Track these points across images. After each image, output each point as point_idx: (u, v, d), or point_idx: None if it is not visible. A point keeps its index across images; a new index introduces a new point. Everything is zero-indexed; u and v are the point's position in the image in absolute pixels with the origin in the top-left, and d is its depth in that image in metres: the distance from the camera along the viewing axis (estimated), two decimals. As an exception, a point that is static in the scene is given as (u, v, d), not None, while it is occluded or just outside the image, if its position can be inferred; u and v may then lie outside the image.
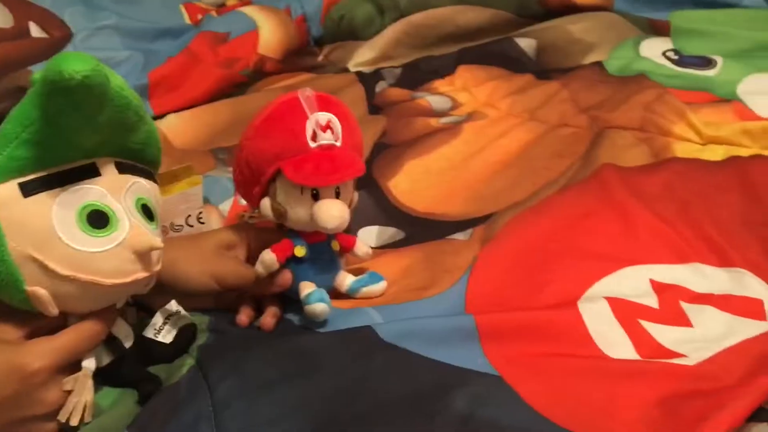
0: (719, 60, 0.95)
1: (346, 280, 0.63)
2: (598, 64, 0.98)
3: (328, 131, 0.58)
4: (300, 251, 0.60)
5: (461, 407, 0.49)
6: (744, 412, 0.46)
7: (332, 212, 0.57)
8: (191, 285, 0.60)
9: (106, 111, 0.48)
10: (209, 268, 0.61)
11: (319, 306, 0.58)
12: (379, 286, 0.63)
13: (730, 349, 0.53)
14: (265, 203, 0.60)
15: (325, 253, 0.62)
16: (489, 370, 0.52)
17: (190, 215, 0.72)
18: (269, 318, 0.61)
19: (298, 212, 0.59)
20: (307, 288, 0.60)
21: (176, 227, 0.72)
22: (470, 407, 0.49)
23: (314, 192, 0.58)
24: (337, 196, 0.59)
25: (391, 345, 0.55)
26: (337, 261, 0.64)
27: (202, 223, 0.73)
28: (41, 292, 0.48)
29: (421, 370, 0.53)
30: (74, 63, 0.43)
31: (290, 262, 0.61)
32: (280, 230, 0.63)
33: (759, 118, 0.81)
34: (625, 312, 0.57)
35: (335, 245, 0.62)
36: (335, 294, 0.63)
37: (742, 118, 0.82)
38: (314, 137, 0.57)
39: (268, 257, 0.59)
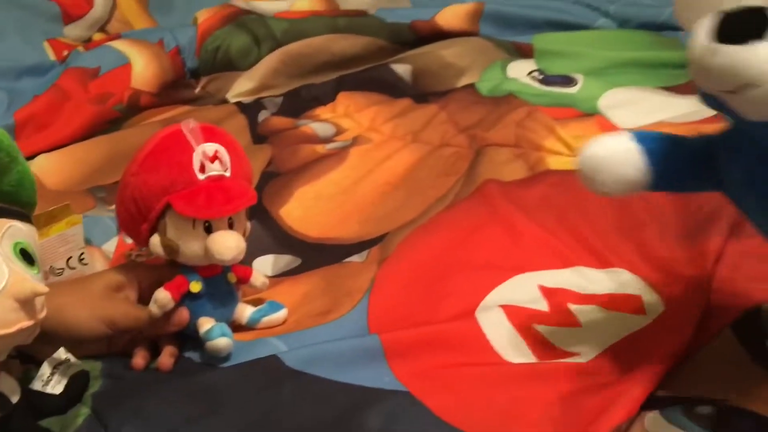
0: (580, 78, 1.03)
1: (245, 311, 0.62)
2: (471, 87, 1.03)
3: (216, 162, 0.57)
4: (196, 287, 0.59)
5: (374, 426, 0.50)
6: (637, 401, 0.50)
7: (228, 243, 0.57)
8: (81, 331, 0.58)
9: None
10: (99, 312, 0.58)
11: (222, 341, 0.57)
12: (280, 314, 0.63)
13: (617, 344, 0.57)
14: (155, 241, 0.58)
15: (222, 286, 0.61)
16: (397, 387, 0.53)
17: (71, 257, 0.69)
18: (166, 358, 0.59)
19: (191, 247, 0.57)
20: (206, 324, 0.58)
21: (57, 271, 0.69)
22: (383, 426, 0.50)
23: (206, 225, 0.57)
24: (230, 227, 0.58)
25: (298, 372, 0.55)
26: (235, 293, 0.63)
27: (85, 264, 0.70)
28: None
29: (330, 393, 0.53)
30: None
31: (185, 298, 0.59)
32: (172, 266, 0.61)
33: (620, 129, 0.88)
34: (519, 318, 0.60)
35: (231, 277, 0.62)
36: (235, 327, 0.61)
37: (605, 129, 0.89)
38: (202, 169, 0.56)
39: (163, 296, 0.57)
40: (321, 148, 0.93)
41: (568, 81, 1.03)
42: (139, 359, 0.60)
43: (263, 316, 0.62)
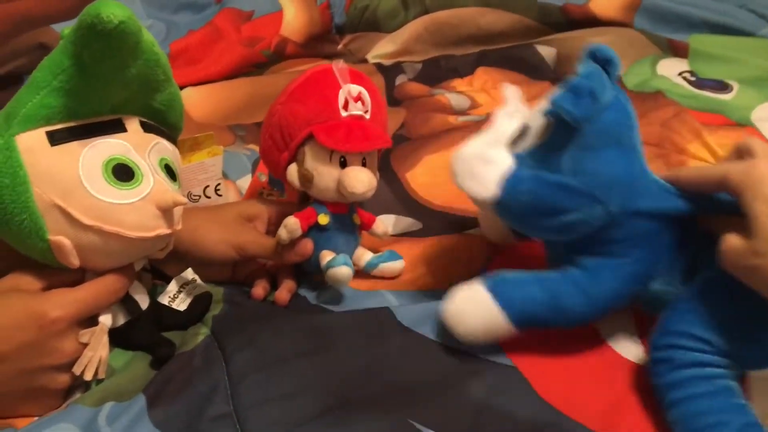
0: (735, 85, 0.97)
1: (364, 255, 0.64)
2: (617, 79, 0.99)
3: (359, 102, 0.59)
4: (323, 219, 0.61)
5: (476, 396, 0.49)
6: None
7: (361, 177, 0.58)
8: (212, 254, 0.61)
9: (137, 63, 0.49)
10: (230, 238, 0.61)
11: (344, 269, 0.58)
12: (397, 264, 0.64)
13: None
14: (292, 169, 0.61)
15: (347, 225, 0.62)
16: (504, 361, 0.53)
17: (208, 186, 0.72)
18: (284, 293, 0.61)
19: (325, 178, 0.59)
20: (328, 255, 0.60)
21: (194, 197, 0.72)
22: (485, 397, 0.49)
23: (342, 159, 0.59)
24: (363, 165, 0.60)
25: (407, 328, 0.55)
26: (357, 235, 0.64)
27: (220, 195, 0.73)
28: (65, 241, 0.48)
29: (435, 355, 0.53)
30: (112, 8, 0.44)
31: (311, 231, 0.61)
32: (301, 204, 0.63)
33: (772, 145, 0.83)
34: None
35: (356, 219, 0.63)
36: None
37: (756, 142, 0.83)
38: (346, 106, 0.58)
39: (292, 222, 0.59)
40: (453, 119, 0.93)
41: (722, 86, 0.97)
42: (259, 289, 0.62)
43: (381, 263, 0.63)
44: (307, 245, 0.60)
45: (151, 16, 1.08)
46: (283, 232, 0.59)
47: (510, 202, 0.51)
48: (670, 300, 0.51)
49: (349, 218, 0.62)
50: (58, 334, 0.49)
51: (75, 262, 0.50)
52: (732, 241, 0.43)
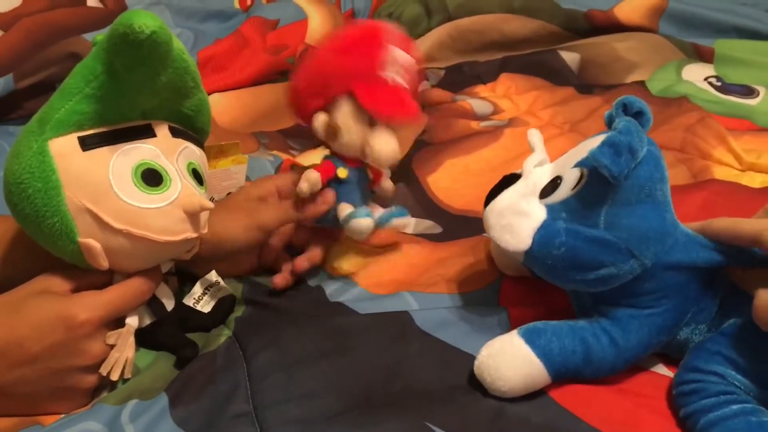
0: (761, 90, 0.96)
1: (375, 210, 0.64)
2: (641, 84, 0.99)
3: (402, 70, 0.59)
4: (343, 172, 0.61)
5: (492, 402, 0.50)
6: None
7: (391, 144, 0.59)
8: (236, 242, 0.61)
9: (167, 71, 0.50)
10: (249, 221, 0.61)
11: (367, 221, 0.60)
12: (406, 219, 0.65)
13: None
14: (321, 118, 0.61)
15: (362, 179, 0.63)
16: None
17: (230, 192, 0.73)
18: (305, 261, 0.64)
19: (352, 136, 0.60)
20: (346, 209, 0.61)
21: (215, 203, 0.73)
22: (501, 402, 0.50)
23: (373, 122, 0.59)
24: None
25: (425, 333, 0.56)
26: (369, 190, 0.65)
27: None
28: (94, 243, 0.50)
29: (452, 360, 0.54)
30: (144, 18, 0.45)
31: (329, 184, 0.62)
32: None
33: (798, 150, 0.82)
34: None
35: (369, 173, 0.64)
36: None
37: (781, 148, 0.82)
38: (390, 71, 0.58)
39: (313, 175, 0.60)
40: (476, 125, 0.93)
41: (748, 92, 0.96)
42: (280, 279, 0.63)
43: (393, 217, 0.64)
44: (329, 194, 0.61)
45: (179, 25, 1.10)
46: (303, 185, 0.60)
47: (544, 254, 0.50)
48: (695, 343, 0.51)
49: (364, 172, 0.63)
50: (86, 336, 0.50)
51: (104, 264, 0.51)
52: (766, 297, 0.43)
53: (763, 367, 0.47)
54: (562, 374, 0.50)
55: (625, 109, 0.50)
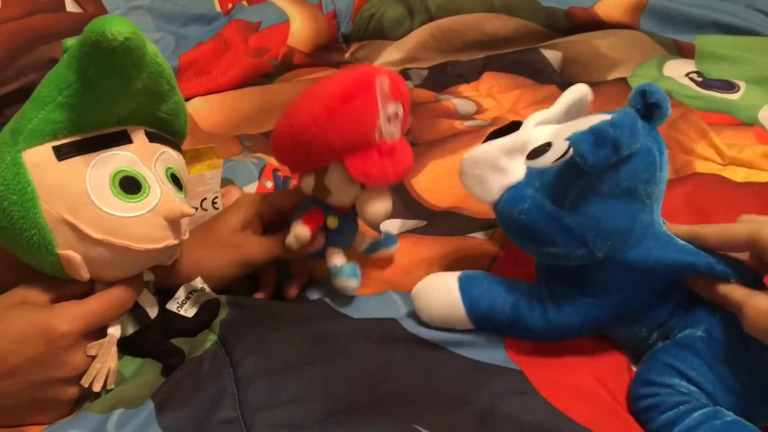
0: (742, 85, 0.96)
1: (364, 240, 0.64)
2: (623, 81, 1.00)
3: (395, 123, 0.55)
4: (332, 222, 0.60)
5: (481, 401, 0.50)
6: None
7: (384, 205, 0.57)
8: (223, 279, 0.61)
9: (141, 77, 0.49)
10: (234, 257, 0.60)
11: (353, 282, 0.59)
12: (394, 248, 0.65)
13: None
14: (309, 181, 0.58)
15: (351, 218, 0.61)
16: (510, 365, 0.53)
17: (205, 198, 0.72)
18: (293, 289, 0.63)
19: (342, 198, 0.58)
20: (336, 257, 0.60)
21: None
22: (490, 402, 0.49)
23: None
24: None
25: (413, 335, 0.56)
26: (357, 222, 0.63)
27: (217, 208, 0.72)
28: (74, 255, 0.49)
29: (441, 362, 0.54)
30: (116, 24, 0.44)
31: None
32: (295, 194, 0.62)
33: (779, 144, 0.82)
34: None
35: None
36: (351, 255, 0.63)
37: (763, 142, 0.83)
38: (381, 131, 0.54)
39: (302, 231, 0.58)
40: (459, 124, 0.94)
41: (729, 86, 0.97)
42: (262, 293, 0.63)
43: (380, 248, 0.64)
44: (319, 241, 0.60)
45: (161, 29, 1.09)
46: (292, 240, 0.59)
47: (505, 215, 0.51)
48: (651, 349, 0.51)
49: (353, 213, 0.61)
50: (67, 348, 0.50)
51: (85, 275, 0.50)
52: (762, 303, 0.43)
53: (721, 376, 0.47)
54: (483, 326, 0.54)
55: (644, 96, 0.48)
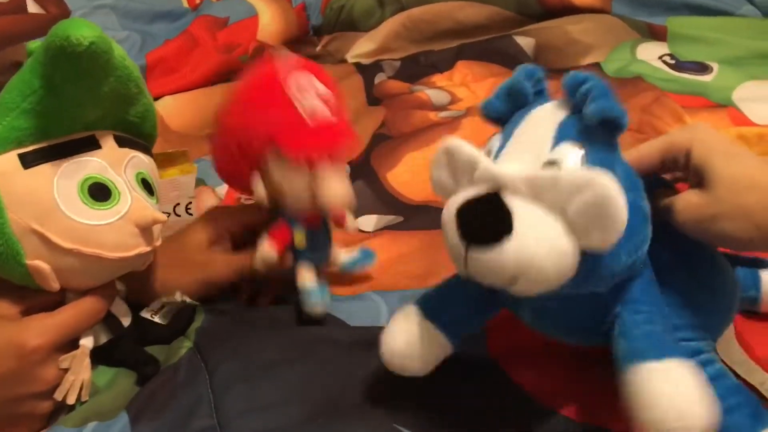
0: (715, 66, 0.97)
1: (339, 257, 0.62)
2: (596, 66, 0.99)
3: (310, 92, 0.54)
4: (300, 240, 0.57)
5: (463, 398, 0.49)
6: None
7: (340, 185, 0.54)
8: (194, 298, 0.59)
9: (109, 81, 0.47)
10: (199, 276, 0.59)
11: (319, 307, 0.57)
12: (371, 265, 0.63)
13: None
14: (259, 186, 0.56)
15: (322, 232, 0.60)
16: (488, 358, 0.53)
17: (178, 204, 0.70)
18: (265, 301, 0.62)
19: (296, 190, 0.55)
20: (306, 276, 0.58)
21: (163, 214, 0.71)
22: (472, 398, 0.49)
23: (312, 168, 0.54)
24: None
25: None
26: (330, 237, 0.61)
27: (190, 214, 0.71)
28: (43, 266, 0.47)
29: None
30: (81, 29, 0.42)
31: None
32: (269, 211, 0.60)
33: (753, 124, 0.83)
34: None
35: (329, 221, 0.60)
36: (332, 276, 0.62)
37: (737, 123, 0.83)
38: (300, 100, 0.53)
39: (269, 253, 0.56)
40: (434, 116, 0.93)
41: (702, 68, 0.97)
42: (241, 296, 0.62)
43: (357, 264, 0.62)
44: (287, 261, 0.59)
45: (126, 27, 1.07)
46: (258, 262, 0.57)
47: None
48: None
49: (324, 226, 0.60)
50: (38, 363, 0.48)
51: (55, 285, 0.49)
52: (689, 197, 0.42)
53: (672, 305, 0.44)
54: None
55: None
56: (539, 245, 0.36)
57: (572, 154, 0.39)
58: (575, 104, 0.41)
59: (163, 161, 0.67)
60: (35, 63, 0.45)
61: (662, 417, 0.36)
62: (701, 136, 0.43)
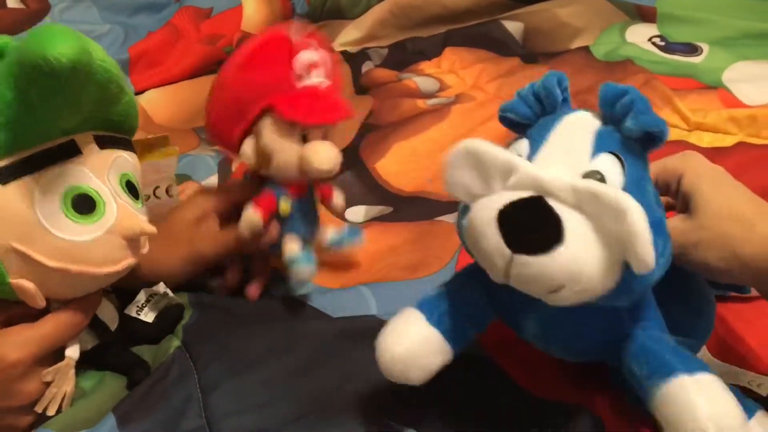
0: (705, 47, 0.96)
1: (326, 233, 0.61)
2: (585, 49, 0.98)
3: (319, 69, 0.54)
4: (285, 208, 0.56)
5: (456, 393, 0.48)
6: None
7: (327, 153, 0.54)
8: (175, 276, 0.58)
9: (89, 89, 0.44)
10: (186, 253, 0.58)
11: (307, 270, 0.56)
12: (360, 240, 0.62)
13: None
14: (249, 145, 0.56)
15: (308, 205, 0.59)
16: (481, 353, 0.52)
17: (158, 186, 0.68)
18: (254, 289, 0.60)
19: (285, 154, 0.55)
20: (292, 245, 0.57)
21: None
22: (465, 392, 0.49)
23: (303, 134, 0.55)
24: (324, 139, 0.56)
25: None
26: (317, 213, 0.61)
27: (171, 196, 0.69)
28: (27, 284, 0.45)
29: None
30: (58, 44, 0.39)
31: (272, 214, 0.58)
32: (253, 185, 0.59)
33: (744, 106, 0.82)
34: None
35: (316, 194, 0.60)
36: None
37: (728, 105, 0.82)
38: (305, 75, 0.53)
39: (252, 216, 0.56)
40: (422, 104, 0.92)
41: (692, 49, 0.96)
42: (229, 279, 0.61)
43: (344, 241, 0.61)
44: (272, 233, 0.57)
45: (108, 20, 1.05)
46: (243, 228, 0.56)
47: None
48: None
49: (310, 198, 0.59)
50: (19, 377, 0.47)
51: (41, 303, 0.47)
52: (674, 222, 0.43)
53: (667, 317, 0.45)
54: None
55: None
56: (589, 255, 0.35)
57: (615, 168, 0.39)
58: (612, 116, 0.40)
59: (142, 149, 0.65)
60: (8, 74, 0.42)
61: (702, 429, 0.35)
62: (694, 164, 0.44)
